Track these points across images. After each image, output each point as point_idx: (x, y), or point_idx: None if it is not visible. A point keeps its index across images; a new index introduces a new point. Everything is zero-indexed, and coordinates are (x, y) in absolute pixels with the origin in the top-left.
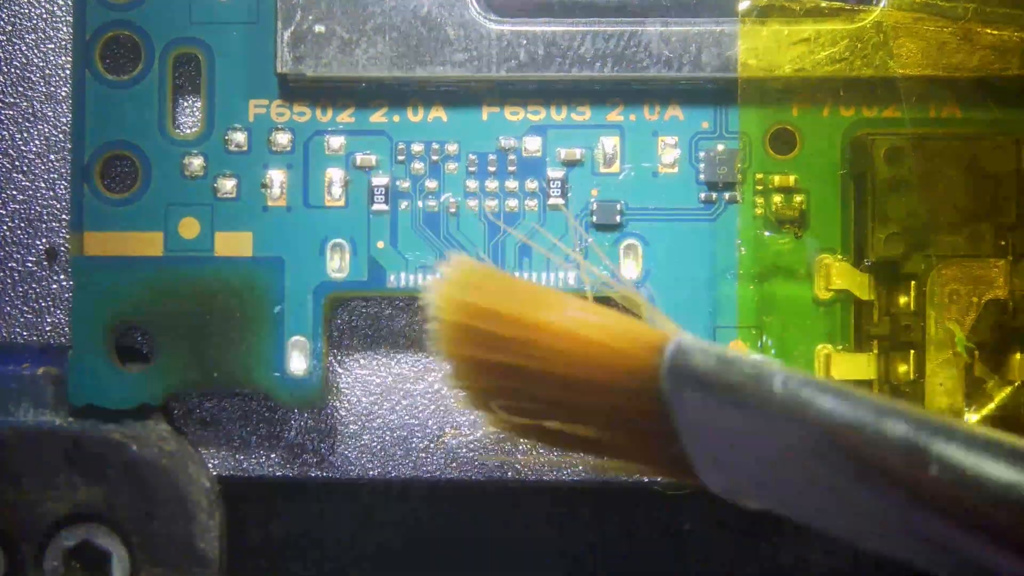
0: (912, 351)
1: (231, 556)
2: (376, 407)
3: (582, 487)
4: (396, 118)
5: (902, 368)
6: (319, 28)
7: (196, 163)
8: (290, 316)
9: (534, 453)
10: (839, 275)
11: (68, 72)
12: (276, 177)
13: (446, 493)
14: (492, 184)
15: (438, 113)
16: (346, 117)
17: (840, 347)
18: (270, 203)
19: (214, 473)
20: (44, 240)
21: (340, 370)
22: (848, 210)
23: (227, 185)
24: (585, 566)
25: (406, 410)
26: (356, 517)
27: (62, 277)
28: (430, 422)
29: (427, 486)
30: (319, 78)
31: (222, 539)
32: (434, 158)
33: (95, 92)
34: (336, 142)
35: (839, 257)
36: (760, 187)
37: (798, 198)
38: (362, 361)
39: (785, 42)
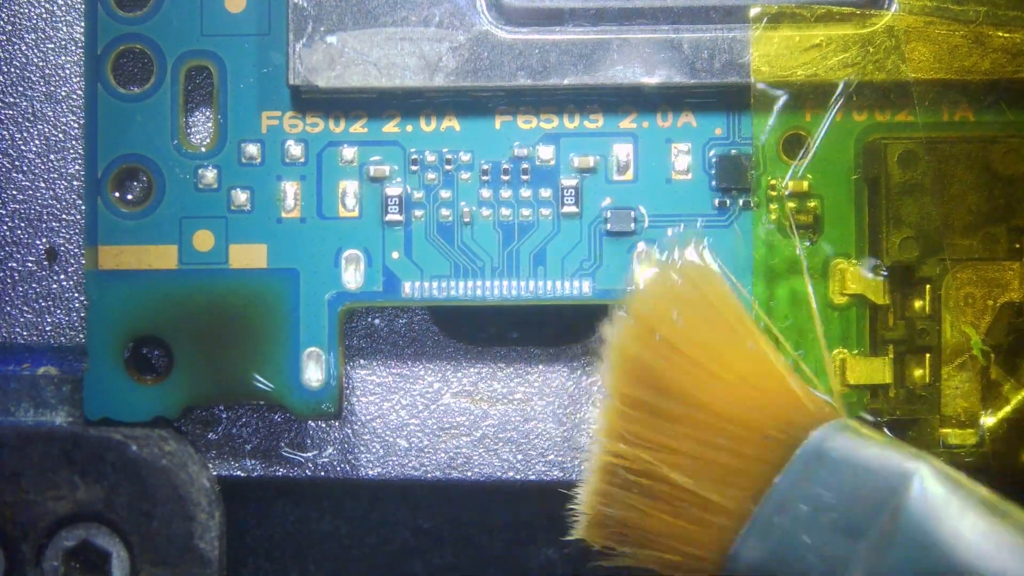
0: (928, 355)
1: (231, 556)
2: (376, 407)
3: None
4: (409, 128)
5: (918, 372)
6: (331, 39)
7: (209, 175)
8: (305, 327)
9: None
10: (854, 280)
11: (68, 71)
12: (290, 189)
13: (446, 493)
14: (506, 193)
15: (451, 123)
16: (359, 128)
17: (856, 351)
18: (284, 215)
19: (214, 473)
20: (44, 240)
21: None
22: (862, 215)
23: (241, 197)
24: (587, 565)
25: (406, 410)
26: (356, 517)
27: (62, 277)
28: (430, 422)
29: (427, 486)
30: (331, 89)
31: (222, 539)
32: (447, 168)
33: (107, 106)
34: (349, 153)
35: (853, 262)
36: (774, 192)
37: (812, 203)
38: (361, 360)
39: (797, 48)
